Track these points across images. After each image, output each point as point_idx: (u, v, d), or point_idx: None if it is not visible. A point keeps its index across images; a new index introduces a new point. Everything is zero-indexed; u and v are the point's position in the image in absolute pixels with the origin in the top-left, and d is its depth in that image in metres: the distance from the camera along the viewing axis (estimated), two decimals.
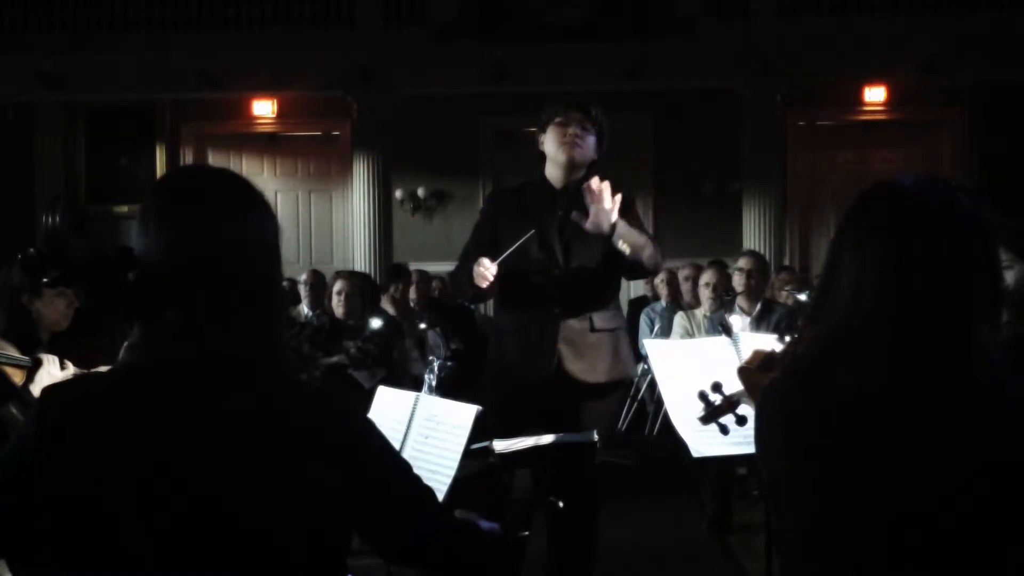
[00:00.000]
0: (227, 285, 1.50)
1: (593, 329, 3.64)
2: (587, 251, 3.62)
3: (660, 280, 8.02)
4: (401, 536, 1.59)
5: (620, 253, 3.51)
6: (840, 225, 1.60)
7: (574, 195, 3.62)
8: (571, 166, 3.66)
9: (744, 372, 2.12)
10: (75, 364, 3.47)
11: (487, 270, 3.45)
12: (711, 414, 2.48)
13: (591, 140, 3.68)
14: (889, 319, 1.50)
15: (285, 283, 7.46)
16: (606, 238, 3.51)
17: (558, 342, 3.59)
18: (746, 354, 3.02)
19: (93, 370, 3.42)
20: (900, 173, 1.64)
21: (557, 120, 3.67)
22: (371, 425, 1.61)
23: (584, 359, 3.62)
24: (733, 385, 2.30)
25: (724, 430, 2.50)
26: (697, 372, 3.08)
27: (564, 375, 3.60)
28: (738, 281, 6.01)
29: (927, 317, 1.49)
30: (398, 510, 1.57)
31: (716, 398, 2.46)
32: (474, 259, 3.55)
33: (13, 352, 3.25)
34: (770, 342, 2.83)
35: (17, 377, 3.23)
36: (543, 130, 3.72)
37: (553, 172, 3.71)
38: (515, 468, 3.14)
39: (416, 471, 2.49)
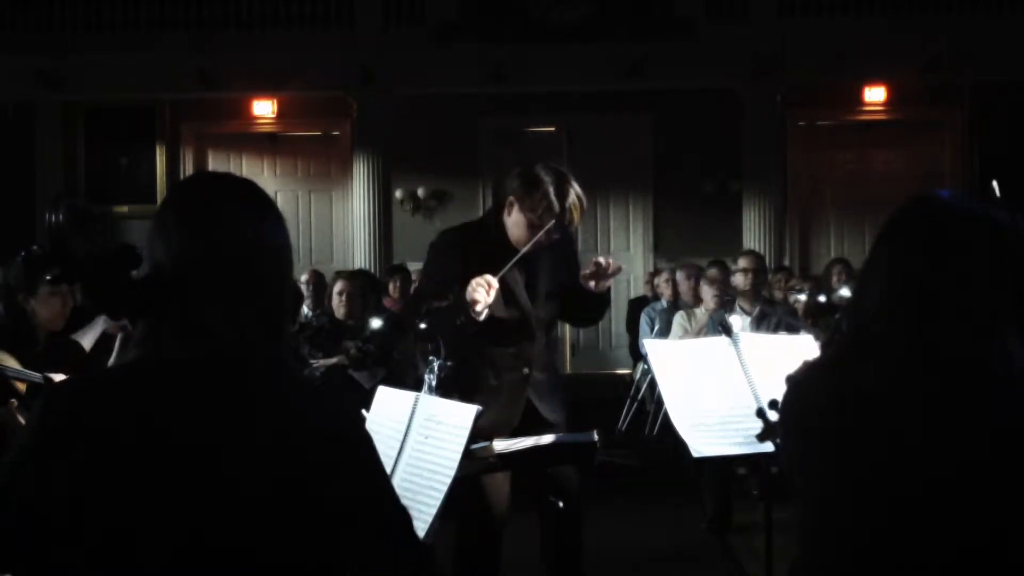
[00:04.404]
0: (238, 288, 1.51)
1: (552, 378, 3.75)
2: (549, 309, 3.69)
3: (663, 280, 8.03)
4: (369, 550, 1.59)
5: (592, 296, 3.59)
6: (877, 235, 1.66)
7: (535, 255, 3.54)
8: (533, 248, 3.50)
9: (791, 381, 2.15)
10: (71, 363, 3.49)
11: (489, 284, 3.24)
12: (769, 432, 2.49)
13: (555, 235, 3.49)
14: (912, 324, 1.56)
15: (301, 283, 7.47)
16: (560, 292, 3.66)
17: (527, 395, 3.63)
18: (746, 354, 3.03)
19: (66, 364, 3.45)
20: (936, 188, 1.70)
21: (531, 213, 3.44)
22: (367, 434, 1.62)
23: (547, 403, 3.68)
24: None
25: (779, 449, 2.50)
26: (697, 372, 3.09)
27: (533, 420, 3.61)
28: (743, 281, 6.01)
29: (949, 323, 1.54)
30: (374, 525, 1.57)
31: (774, 416, 2.47)
32: (443, 292, 3.41)
33: (18, 366, 3.27)
34: (788, 343, 2.84)
35: (20, 385, 3.25)
36: (514, 196, 3.47)
37: (516, 236, 3.51)
38: (515, 469, 3.15)
39: (416, 471, 2.50)
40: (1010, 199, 1.78)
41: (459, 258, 3.53)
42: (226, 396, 1.47)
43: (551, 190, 3.43)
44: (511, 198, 3.51)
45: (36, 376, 3.24)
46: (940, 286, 1.54)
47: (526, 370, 3.62)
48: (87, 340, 3.68)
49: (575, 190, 3.48)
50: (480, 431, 3.22)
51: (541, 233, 3.43)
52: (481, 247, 3.55)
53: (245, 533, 1.44)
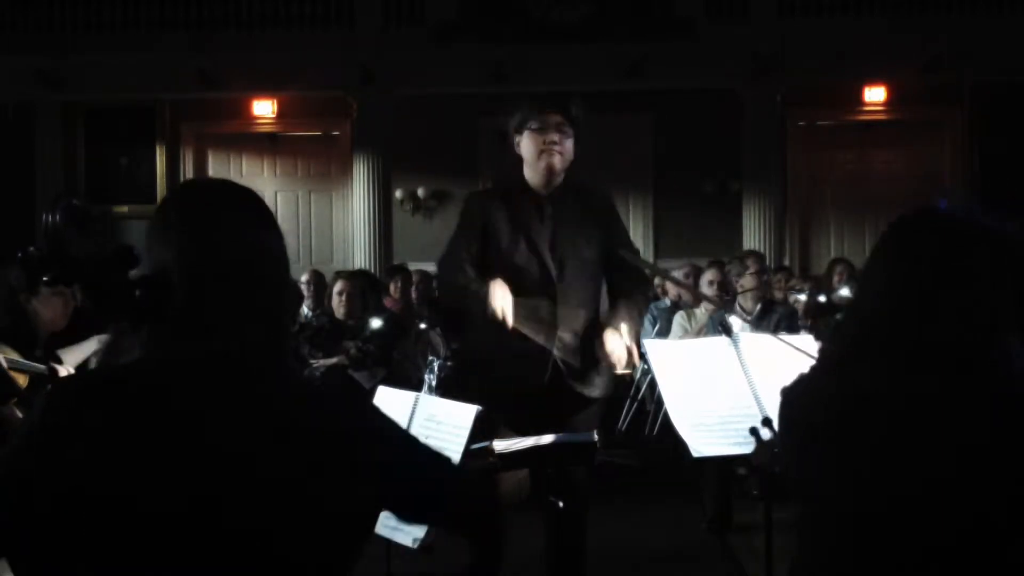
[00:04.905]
0: (238, 290, 1.51)
1: (588, 346, 3.57)
2: (578, 263, 3.56)
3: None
4: (422, 504, 1.66)
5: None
6: (875, 246, 1.67)
7: (558, 203, 3.57)
8: (552, 174, 3.55)
9: None
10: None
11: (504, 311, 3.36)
12: (762, 450, 2.49)
13: (569, 144, 3.56)
14: (908, 322, 1.56)
15: (302, 283, 7.48)
16: (595, 247, 3.55)
17: (552, 357, 3.51)
18: (746, 354, 3.03)
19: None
20: (936, 199, 1.70)
21: (533, 126, 3.53)
22: (375, 409, 1.67)
23: (582, 374, 3.55)
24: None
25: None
26: (697, 372, 3.08)
27: (556, 387, 3.52)
28: (750, 281, 6.01)
29: (949, 326, 1.55)
30: (415, 484, 1.62)
31: (767, 433, 2.48)
32: (464, 269, 3.53)
33: (19, 358, 3.27)
34: (788, 343, 2.84)
35: (21, 380, 3.25)
36: (519, 132, 3.57)
37: (534, 177, 3.58)
38: (515, 468, 3.14)
39: None
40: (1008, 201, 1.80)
41: (475, 232, 3.58)
42: (227, 397, 1.48)
43: (541, 100, 3.58)
44: (514, 132, 3.58)
45: (40, 367, 3.24)
46: (940, 286, 1.54)
47: (561, 333, 3.50)
48: (72, 359, 3.61)
49: (572, 101, 3.58)
50: (508, 385, 3.32)
51: (553, 143, 3.49)
52: (504, 201, 3.59)
53: (246, 533, 1.44)
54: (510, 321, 3.35)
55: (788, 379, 1.95)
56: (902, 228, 1.64)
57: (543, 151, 3.51)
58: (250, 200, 1.61)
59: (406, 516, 1.71)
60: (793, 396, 1.70)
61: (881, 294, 1.60)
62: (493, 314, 3.33)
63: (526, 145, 3.56)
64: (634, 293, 3.65)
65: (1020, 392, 1.51)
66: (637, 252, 3.80)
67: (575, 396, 3.54)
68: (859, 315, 1.64)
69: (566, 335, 3.53)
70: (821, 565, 1.60)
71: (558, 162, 3.53)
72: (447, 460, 1.74)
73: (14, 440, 1.49)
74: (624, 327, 3.50)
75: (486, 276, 3.50)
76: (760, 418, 2.77)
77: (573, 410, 3.53)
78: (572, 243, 3.55)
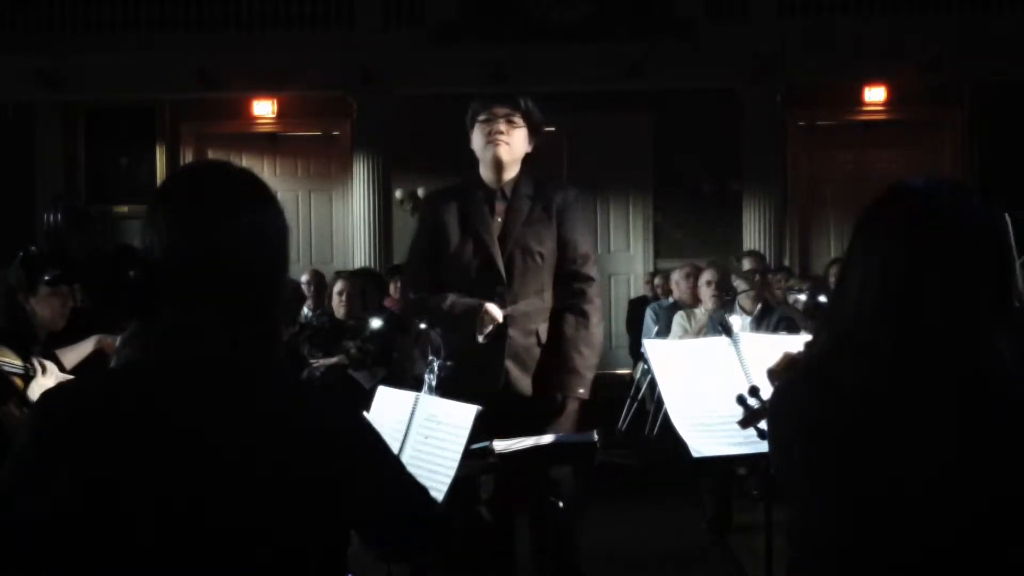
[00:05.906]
0: (231, 285, 1.50)
1: (540, 344, 3.53)
2: (528, 259, 3.51)
3: (675, 281, 8.01)
4: (395, 534, 1.62)
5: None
6: (854, 228, 1.62)
7: (511, 198, 3.53)
8: (499, 165, 3.52)
9: (772, 374, 2.13)
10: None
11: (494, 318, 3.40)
12: (749, 418, 2.49)
13: (519, 134, 3.52)
14: (896, 321, 1.52)
15: (303, 284, 7.48)
16: (547, 245, 3.52)
17: (505, 360, 3.47)
18: (746, 354, 3.03)
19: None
20: (911, 176, 1.65)
21: (481, 118, 3.52)
22: (369, 425, 1.63)
23: (531, 376, 3.50)
24: (769, 389, 2.31)
25: (763, 435, 2.50)
26: (697, 372, 3.08)
27: (512, 392, 3.48)
28: (752, 282, 6.02)
29: (935, 319, 1.51)
30: (394, 510, 1.59)
31: (754, 403, 2.47)
32: (422, 271, 3.59)
33: (12, 359, 3.25)
34: (788, 343, 2.85)
35: (18, 381, 3.25)
36: (471, 128, 3.56)
37: (485, 172, 3.56)
38: (515, 468, 3.14)
39: (416, 471, 2.51)
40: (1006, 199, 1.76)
41: (429, 233, 3.59)
42: (223, 397, 1.47)
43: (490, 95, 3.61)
44: (469, 128, 3.58)
45: (19, 367, 3.21)
46: (924, 283, 1.50)
47: (509, 330, 3.45)
48: (70, 359, 3.59)
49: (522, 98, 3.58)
50: (460, 393, 3.15)
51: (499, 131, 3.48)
52: (458, 198, 3.58)
53: (244, 533, 1.44)
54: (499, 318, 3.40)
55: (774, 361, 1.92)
56: (878, 216, 1.58)
57: (489, 142, 3.49)
58: (247, 187, 1.56)
59: (375, 541, 1.65)
60: (780, 398, 1.67)
61: (863, 291, 1.55)
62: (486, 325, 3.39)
63: (475, 138, 3.55)
64: (578, 325, 3.56)
65: (1015, 391, 1.49)
66: (592, 263, 3.67)
67: (529, 404, 3.49)
68: (842, 312, 1.60)
69: (518, 335, 3.50)
70: (816, 567, 1.59)
71: (504, 153, 3.50)
72: (430, 495, 1.70)
73: (14, 447, 1.49)
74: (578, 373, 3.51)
75: (440, 279, 3.54)
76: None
77: (540, 411, 3.48)
78: (523, 240, 3.50)
